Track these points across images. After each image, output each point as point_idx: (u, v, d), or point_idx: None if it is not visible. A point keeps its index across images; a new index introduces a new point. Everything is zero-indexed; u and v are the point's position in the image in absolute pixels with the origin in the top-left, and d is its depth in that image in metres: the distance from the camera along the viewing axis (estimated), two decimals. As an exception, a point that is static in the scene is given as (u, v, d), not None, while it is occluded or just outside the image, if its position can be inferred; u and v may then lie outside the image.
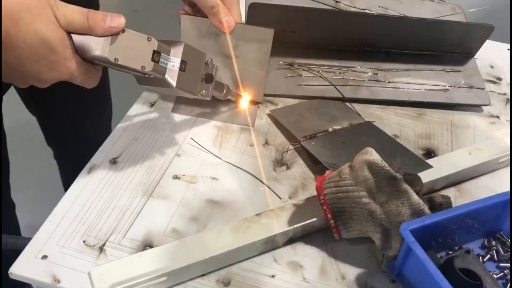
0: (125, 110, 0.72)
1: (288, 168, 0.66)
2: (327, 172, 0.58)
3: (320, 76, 0.80)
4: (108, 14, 0.48)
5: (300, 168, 0.66)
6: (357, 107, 0.77)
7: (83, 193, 0.59)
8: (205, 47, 0.70)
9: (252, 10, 0.75)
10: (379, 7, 0.88)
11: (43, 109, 1.03)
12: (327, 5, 0.86)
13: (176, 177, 0.62)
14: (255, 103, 0.75)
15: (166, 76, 0.56)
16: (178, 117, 0.72)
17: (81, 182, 0.60)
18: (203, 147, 0.67)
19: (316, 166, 0.66)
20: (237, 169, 0.65)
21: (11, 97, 0.88)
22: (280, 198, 0.61)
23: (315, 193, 0.58)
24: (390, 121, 0.76)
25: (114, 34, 0.48)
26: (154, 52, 0.52)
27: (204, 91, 0.62)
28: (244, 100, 0.73)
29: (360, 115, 0.75)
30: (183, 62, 0.56)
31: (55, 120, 1.06)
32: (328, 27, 0.80)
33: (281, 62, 0.81)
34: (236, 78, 0.73)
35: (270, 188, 0.62)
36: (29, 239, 0.54)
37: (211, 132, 0.70)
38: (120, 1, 3.05)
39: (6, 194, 1.21)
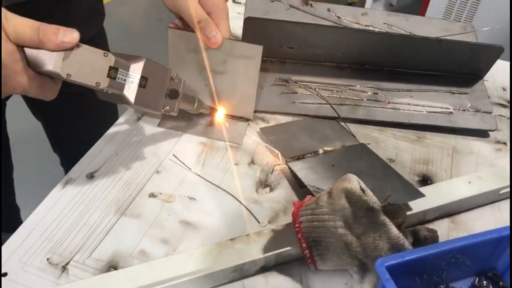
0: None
1: (271, 190, 0.63)
2: (307, 197, 0.55)
3: (317, 94, 0.77)
4: (61, 28, 0.46)
5: (284, 190, 0.63)
6: (353, 128, 0.73)
7: (55, 208, 0.57)
8: (193, 61, 0.68)
9: (248, 24, 0.73)
10: (384, 24, 0.85)
11: (47, 115, 1.03)
12: (329, 20, 0.83)
13: (152, 195, 0.60)
14: (245, 120, 0.73)
15: (124, 92, 0.54)
16: (164, 131, 0.70)
17: (54, 197, 0.59)
18: (184, 164, 0.64)
19: (301, 189, 0.63)
20: (218, 188, 0.62)
21: (18, 101, 0.88)
22: (259, 222, 0.58)
23: (295, 218, 0.54)
24: (387, 144, 0.72)
25: (67, 49, 0.47)
26: (111, 68, 0.51)
27: (168, 107, 0.60)
28: (220, 113, 0.71)
29: (354, 136, 0.72)
30: (143, 78, 0.55)
31: (60, 126, 1.06)
32: (327, 43, 0.77)
33: (276, 78, 0.78)
34: (225, 94, 0.70)
35: (249, 211, 0.59)
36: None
37: (196, 149, 0.68)
38: (146, 10, 3.10)
39: (11, 198, 1.22)
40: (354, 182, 0.50)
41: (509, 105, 0.82)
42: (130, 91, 0.54)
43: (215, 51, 0.66)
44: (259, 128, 0.71)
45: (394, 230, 0.48)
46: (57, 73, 0.47)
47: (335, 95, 0.77)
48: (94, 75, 0.50)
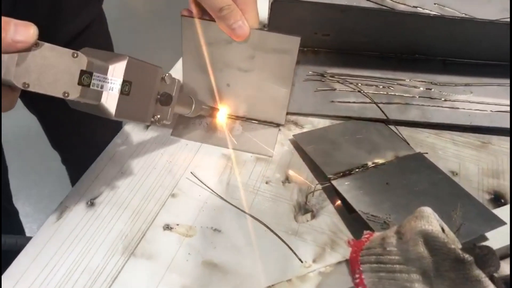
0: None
1: (313, 216, 0.51)
2: (365, 234, 0.43)
3: (359, 91, 0.64)
4: (12, 22, 0.34)
5: (329, 217, 0.51)
6: (404, 132, 0.61)
7: (48, 248, 0.46)
8: (213, 57, 0.55)
9: (277, 8, 0.60)
10: (434, 4, 0.71)
11: (42, 109, 0.91)
12: (371, 1, 0.70)
13: (167, 227, 0.49)
14: (275, 125, 0.60)
15: (102, 102, 0.42)
16: (179, 142, 0.58)
17: (47, 233, 0.47)
18: (205, 184, 0.53)
19: (350, 214, 0.51)
20: (247, 215, 0.50)
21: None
22: (302, 262, 0.47)
23: (348, 255, 0.43)
24: (446, 152, 0.60)
25: (22, 51, 0.34)
26: (83, 72, 0.39)
27: (159, 115, 0.48)
28: (222, 114, 0.60)
29: (408, 144, 0.59)
30: (125, 82, 0.43)
31: (57, 121, 0.94)
32: (370, 29, 0.64)
33: (310, 72, 0.66)
34: (251, 96, 0.58)
35: (289, 247, 0.48)
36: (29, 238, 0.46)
37: (218, 163, 0.56)
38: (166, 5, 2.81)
39: (6, 201, 1.11)
40: (434, 222, 0.39)
41: None
42: (110, 101, 0.42)
43: (241, 44, 0.53)
44: (292, 135, 0.59)
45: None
46: (10, 81, 0.35)
47: (381, 92, 0.64)
48: (60, 83, 0.37)
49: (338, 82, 0.65)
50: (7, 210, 1.10)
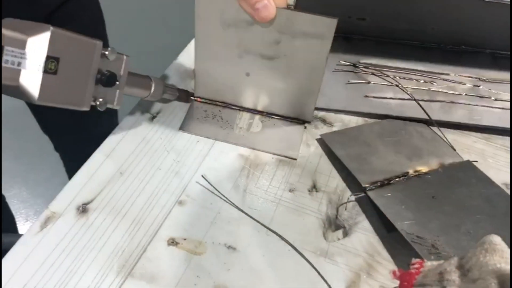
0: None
1: (345, 234, 0.43)
2: (415, 263, 0.35)
3: (397, 85, 0.56)
4: None
5: (364, 235, 0.43)
6: (448, 135, 0.53)
7: (28, 264, 0.38)
8: (231, 41, 0.47)
9: (305, -15, 0.52)
10: (485, -13, 0.62)
11: None
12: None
13: (172, 241, 0.41)
14: (301, 122, 0.52)
15: (22, 83, 0.36)
16: (188, 139, 0.50)
17: (27, 245, 0.39)
18: (218, 191, 0.45)
19: (389, 233, 0.43)
20: (268, 231, 0.42)
21: None
22: (332, 291, 0.39)
23: (389, 284, 0.35)
24: (498, 161, 0.51)
25: None
26: None
27: (102, 99, 0.42)
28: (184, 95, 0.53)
29: (454, 150, 0.51)
30: (51, 59, 0.36)
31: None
32: (411, 14, 0.56)
33: (341, 62, 0.57)
34: (275, 87, 0.50)
35: (317, 271, 0.40)
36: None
37: (234, 165, 0.48)
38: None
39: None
40: (507, 257, 0.30)
41: None
42: (31, 81, 0.36)
43: (265, 26, 0.45)
44: (320, 135, 0.51)
45: None
46: None
47: (422, 87, 0.56)
48: None
49: (373, 74, 0.57)
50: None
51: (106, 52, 0.41)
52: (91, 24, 0.69)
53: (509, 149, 0.53)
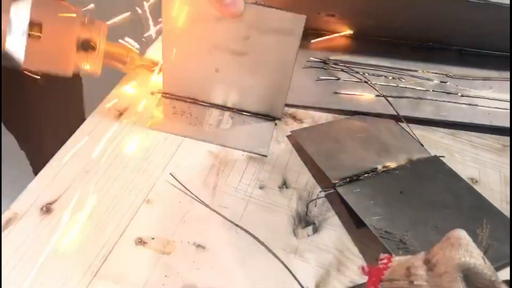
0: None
1: (315, 230, 0.43)
2: (383, 259, 0.35)
3: (366, 81, 0.56)
4: None
5: (334, 231, 0.43)
6: (416, 130, 0.53)
7: (-12, 267, 0.37)
8: (199, 37, 0.46)
9: (274, -20, 0.51)
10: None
11: None
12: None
13: (140, 241, 0.40)
14: (271, 119, 0.52)
15: (7, 47, 0.38)
16: (156, 136, 0.49)
17: (-12, 246, 0.38)
18: (187, 189, 0.44)
19: (358, 229, 0.43)
20: (238, 229, 0.42)
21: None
22: (303, 287, 0.39)
23: (358, 279, 0.36)
24: (465, 156, 0.52)
25: None
26: None
27: (84, 65, 0.44)
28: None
29: (422, 145, 0.52)
30: (34, 24, 0.38)
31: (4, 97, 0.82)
32: (380, 11, 0.56)
33: (310, 58, 0.57)
34: (245, 84, 0.49)
35: (288, 269, 0.40)
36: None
37: (204, 163, 0.47)
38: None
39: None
40: (474, 253, 0.31)
41: None
42: (17, 46, 0.38)
43: (233, 22, 0.44)
44: (290, 131, 0.51)
45: None
46: None
47: (390, 84, 0.56)
48: None
49: (342, 70, 0.57)
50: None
51: (86, 19, 0.42)
52: None
53: (474, 144, 0.54)
